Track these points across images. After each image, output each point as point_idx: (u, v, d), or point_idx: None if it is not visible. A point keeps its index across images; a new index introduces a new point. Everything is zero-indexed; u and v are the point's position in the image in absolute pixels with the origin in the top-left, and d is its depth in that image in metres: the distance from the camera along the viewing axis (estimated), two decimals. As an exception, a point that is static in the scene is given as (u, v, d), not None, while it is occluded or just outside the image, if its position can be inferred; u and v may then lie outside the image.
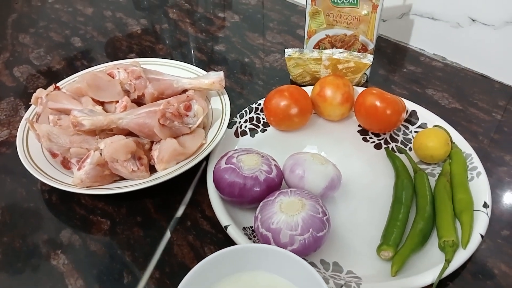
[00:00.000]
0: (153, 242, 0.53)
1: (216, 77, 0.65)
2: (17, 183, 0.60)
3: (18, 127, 0.68)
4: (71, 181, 0.54)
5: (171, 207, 0.57)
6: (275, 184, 0.53)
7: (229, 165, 0.53)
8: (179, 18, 0.98)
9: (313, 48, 0.77)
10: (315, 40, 0.76)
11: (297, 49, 0.70)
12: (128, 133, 0.58)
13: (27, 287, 0.49)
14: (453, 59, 0.81)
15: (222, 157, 0.55)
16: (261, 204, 0.50)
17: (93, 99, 0.60)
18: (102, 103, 0.62)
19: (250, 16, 0.98)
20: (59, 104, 0.59)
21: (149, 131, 0.57)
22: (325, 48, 0.76)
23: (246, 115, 0.68)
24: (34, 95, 0.63)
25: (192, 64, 0.73)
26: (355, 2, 0.68)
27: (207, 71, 0.70)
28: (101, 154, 0.54)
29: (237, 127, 0.66)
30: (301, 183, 0.53)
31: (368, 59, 0.69)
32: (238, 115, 0.67)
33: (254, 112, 0.68)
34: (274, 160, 0.55)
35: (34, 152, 0.58)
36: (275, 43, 0.88)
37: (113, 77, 0.63)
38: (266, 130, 0.68)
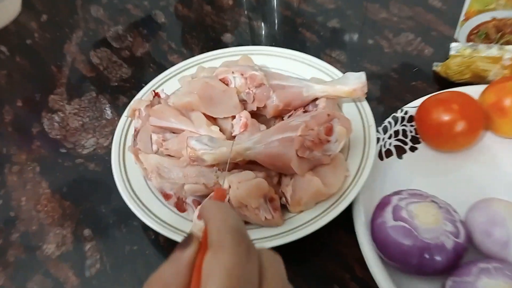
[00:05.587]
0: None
1: (358, 83, 0.50)
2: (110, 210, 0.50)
3: (105, 134, 0.57)
4: (190, 230, 0.42)
5: (307, 258, 0.45)
6: (464, 250, 0.39)
7: (399, 223, 0.39)
8: (275, -17, 0.81)
9: (469, 34, 0.58)
10: (473, 23, 0.58)
11: (469, 44, 0.53)
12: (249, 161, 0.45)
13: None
14: None
15: (383, 205, 0.41)
16: (451, 283, 0.37)
17: (205, 115, 0.47)
18: (215, 118, 0.48)
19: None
20: (165, 122, 0.47)
21: (283, 165, 0.43)
22: (487, 35, 0.57)
23: (390, 128, 0.53)
24: (131, 106, 0.50)
25: (300, 50, 0.58)
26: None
27: (321, 57, 0.55)
28: (226, 196, 0.42)
29: (381, 145, 0.51)
30: (505, 251, 0.38)
31: None
32: (380, 129, 0.52)
33: (400, 123, 0.53)
34: (455, 211, 0.41)
35: (135, 182, 0.47)
36: (403, 18, 0.70)
37: (227, 84, 0.49)
38: (416, 148, 0.52)
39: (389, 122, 0.53)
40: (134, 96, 0.56)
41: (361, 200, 0.45)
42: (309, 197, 0.43)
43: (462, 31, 0.59)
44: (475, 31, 0.58)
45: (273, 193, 0.44)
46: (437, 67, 0.59)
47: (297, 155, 0.43)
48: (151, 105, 0.49)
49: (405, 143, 0.53)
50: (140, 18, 0.76)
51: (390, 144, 0.52)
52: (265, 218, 0.42)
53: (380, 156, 0.51)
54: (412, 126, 0.53)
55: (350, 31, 0.70)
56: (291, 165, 0.42)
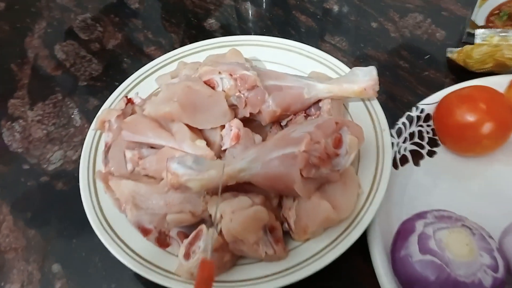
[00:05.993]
0: None
1: (368, 80, 0.42)
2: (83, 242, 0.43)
3: (73, 146, 0.49)
4: (175, 270, 0.35)
5: (316, 290, 0.39)
6: (504, 285, 0.33)
7: (428, 257, 0.33)
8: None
9: (489, 15, 0.51)
10: (494, 2, 0.50)
11: (498, 30, 0.45)
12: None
13: None
14: None
15: (406, 233, 0.35)
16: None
17: (188, 126, 0.39)
18: (200, 130, 0.41)
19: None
20: (140, 137, 0.39)
21: (285, 188, 0.36)
22: (510, 16, 0.50)
23: (405, 130, 0.45)
24: (99, 117, 0.42)
25: (294, 37, 0.50)
26: None
27: (319, 44, 0.48)
28: (217, 227, 0.35)
29: (395, 151, 0.44)
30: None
31: None
32: (394, 132, 0.45)
33: (416, 124, 0.46)
34: (490, 237, 0.35)
35: (109, 209, 0.39)
36: (410, -4, 0.62)
37: (213, 88, 0.41)
38: (434, 152, 0.46)
39: (403, 123, 0.46)
40: (106, 97, 0.47)
41: (377, 222, 0.38)
42: (317, 225, 0.36)
43: (481, 12, 0.51)
44: (496, 12, 0.51)
45: (274, 220, 0.37)
46: (452, 53, 0.52)
47: (301, 175, 0.35)
48: (123, 115, 0.42)
49: (422, 147, 0.46)
50: (111, 4, 0.67)
51: (405, 149, 0.45)
52: (266, 253, 0.35)
53: (395, 165, 0.44)
54: (429, 126, 0.46)
55: (351, 12, 0.62)
56: (295, 188, 0.35)
